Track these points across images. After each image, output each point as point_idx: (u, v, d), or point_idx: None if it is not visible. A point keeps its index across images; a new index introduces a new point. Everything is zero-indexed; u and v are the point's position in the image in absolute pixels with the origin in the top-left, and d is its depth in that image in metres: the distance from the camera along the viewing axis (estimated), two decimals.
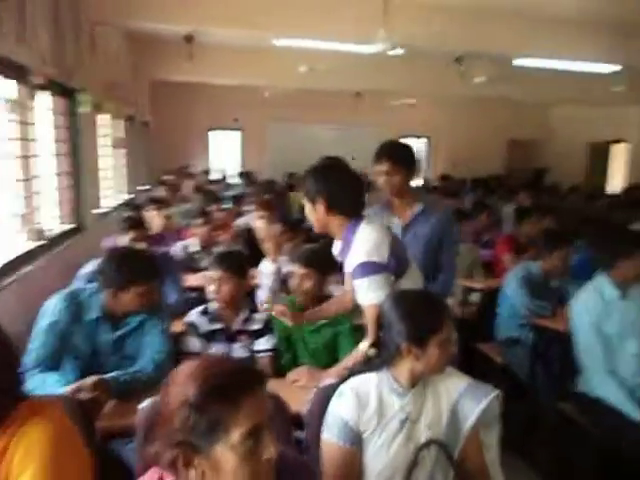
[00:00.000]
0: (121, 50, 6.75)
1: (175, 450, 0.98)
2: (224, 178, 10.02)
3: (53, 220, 4.30)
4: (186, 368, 1.04)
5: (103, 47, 5.56)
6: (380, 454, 1.52)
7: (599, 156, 11.81)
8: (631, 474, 2.36)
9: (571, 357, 2.96)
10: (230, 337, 2.36)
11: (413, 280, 2.01)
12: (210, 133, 12.02)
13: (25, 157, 3.58)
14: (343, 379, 1.62)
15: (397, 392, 1.56)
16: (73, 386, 1.74)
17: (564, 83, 8.27)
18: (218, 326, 2.35)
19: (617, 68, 7.02)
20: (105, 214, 5.94)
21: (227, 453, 0.98)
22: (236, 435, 0.98)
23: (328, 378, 1.92)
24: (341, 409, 1.53)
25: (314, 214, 1.96)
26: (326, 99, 10.68)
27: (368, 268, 1.84)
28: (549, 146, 12.77)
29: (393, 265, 1.89)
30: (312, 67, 7.19)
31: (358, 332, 2.51)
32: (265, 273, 3.10)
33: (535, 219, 4.31)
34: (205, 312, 2.37)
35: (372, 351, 1.62)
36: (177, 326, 2.50)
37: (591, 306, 2.56)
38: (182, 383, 1.01)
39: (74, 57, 4.39)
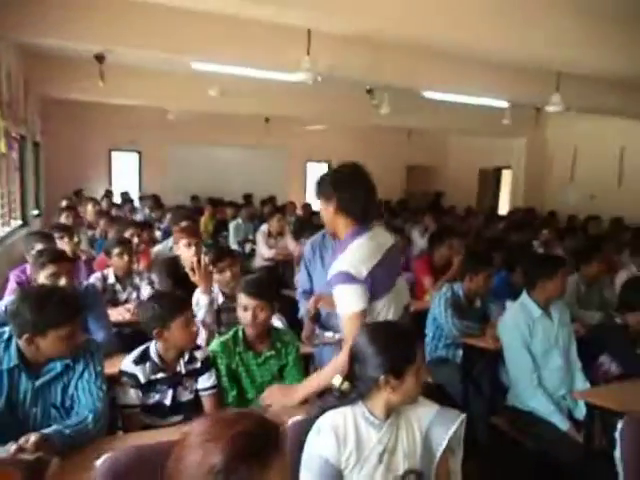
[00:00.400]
0: (12, 65, 6.24)
1: None
2: (129, 201, 9.52)
3: None
4: (200, 428, 0.96)
5: None
6: None
7: (488, 181, 12.90)
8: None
9: (498, 373, 3.16)
10: (174, 382, 2.22)
11: (389, 306, 2.02)
12: (113, 154, 11.46)
13: None
14: (317, 415, 1.59)
15: (373, 424, 1.56)
16: (13, 447, 1.53)
17: (461, 115, 8.99)
18: (161, 375, 2.19)
19: (505, 104, 7.77)
20: None
21: None
22: None
23: (298, 394, 2.02)
24: (320, 447, 1.50)
25: (325, 213, 2.09)
26: (233, 122, 10.63)
27: (343, 277, 1.91)
28: (444, 171, 13.72)
29: (369, 284, 1.91)
30: (223, 91, 7.13)
31: (303, 361, 2.53)
32: (200, 305, 2.97)
33: (448, 242, 4.55)
34: (142, 360, 2.18)
35: (346, 385, 1.60)
36: (110, 367, 2.31)
37: (519, 324, 2.75)
38: (200, 447, 0.92)
39: None
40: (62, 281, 2.63)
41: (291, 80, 4.88)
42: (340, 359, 1.85)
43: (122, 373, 2.15)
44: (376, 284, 1.94)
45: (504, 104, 7.82)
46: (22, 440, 1.59)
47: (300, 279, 2.91)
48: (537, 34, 4.41)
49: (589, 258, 3.86)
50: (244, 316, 2.33)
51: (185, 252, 3.64)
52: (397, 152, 13.34)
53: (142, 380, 2.14)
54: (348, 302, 1.91)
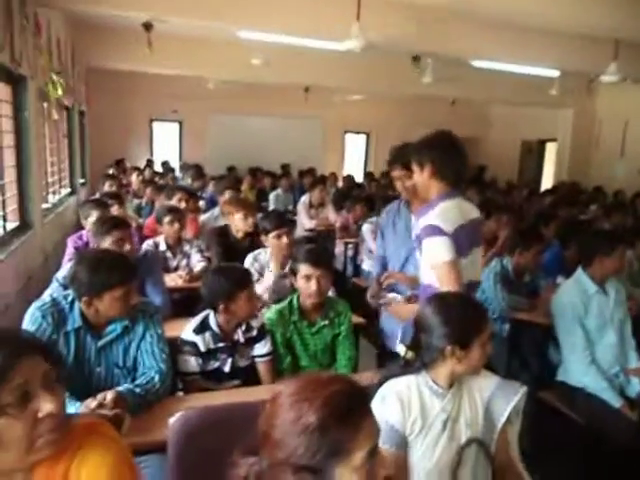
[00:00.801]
0: (62, 35, 6.34)
1: (296, 475, 0.93)
2: (171, 170, 9.67)
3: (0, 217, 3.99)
4: (293, 388, 0.99)
5: (46, 32, 5.20)
6: (426, 456, 1.54)
7: (531, 153, 12.53)
8: (614, 459, 2.53)
9: (545, 348, 3.13)
10: (232, 351, 2.28)
11: (471, 266, 2.12)
12: (154, 124, 11.60)
13: None
14: (381, 383, 1.62)
15: (437, 393, 1.58)
16: (93, 403, 1.62)
17: (506, 84, 8.70)
18: (221, 344, 2.25)
19: (555, 74, 7.47)
20: (50, 209, 5.60)
21: (348, 475, 0.94)
22: (358, 457, 0.94)
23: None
24: (386, 413, 1.53)
25: (418, 177, 2.18)
26: (272, 92, 10.58)
27: (433, 229, 2.02)
28: (486, 143, 13.38)
29: (456, 239, 2.01)
30: (265, 60, 7.08)
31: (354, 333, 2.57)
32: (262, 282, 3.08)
33: (497, 216, 4.48)
34: (202, 329, 2.24)
35: (410, 354, 1.63)
36: (166, 330, 2.38)
37: (573, 300, 2.71)
38: (295, 406, 0.96)
39: (21, 42, 4.07)
40: (127, 246, 2.73)
41: (338, 49, 4.80)
42: None
43: (183, 342, 2.22)
44: (459, 242, 2.03)
45: (554, 73, 7.52)
46: (100, 396, 1.68)
47: (377, 244, 3.04)
48: (595, 0, 4.21)
49: None
50: (307, 286, 2.36)
51: (241, 224, 3.69)
52: (437, 123, 12.95)
53: (202, 349, 2.21)
54: (438, 252, 2.01)
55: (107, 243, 2.68)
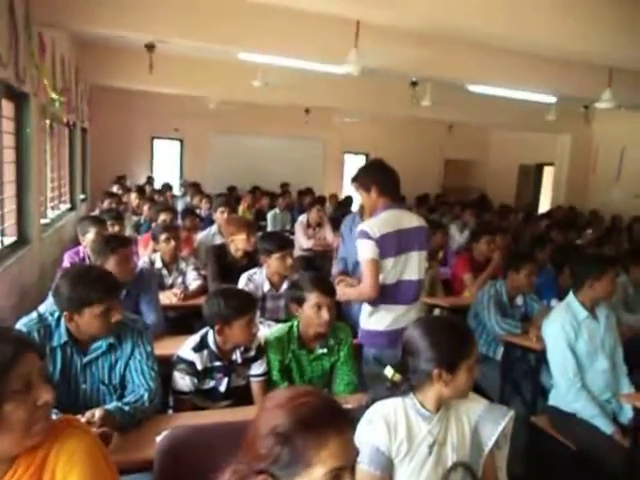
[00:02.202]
0: (66, 53, 6.45)
1: (256, 478, 0.97)
2: (169, 188, 9.72)
3: None
4: (277, 396, 1.05)
5: (50, 50, 5.29)
6: (411, 479, 1.53)
7: (528, 177, 12.64)
8: None
9: (538, 372, 3.13)
10: (229, 370, 2.28)
11: (392, 269, 2.58)
12: (155, 142, 11.72)
13: None
14: (368, 405, 1.62)
15: (424, 416, 1.58)
16: (82, 419, 1.62)
17: (504, 109, 8.82)
18: (218, 363, 2.24)
19: (552, 100, 7.59)
20: (49, 225, 5.63)
21: None
22: (319, 473, 0.96)
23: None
24: (372, 436, 1.53)
25: (368, 199, 2.69)
26: (272, 112, 10.70)
27: (362, 234, 2.55)
28: (483, 166, 13.50)
29: (380, 243, 2.51)
30: (266, 82, 7.18)
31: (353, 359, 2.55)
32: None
33: (490, 239, 4.50)
34: (200, 347, 2.22)
35: (398, 377, 1.63)
36: (158, 348, 2.38)
37: (564, 326, 2.71)
38: (271, 411, 1.01)
39: (25, 61, 4.14)
40: (130, 264, 2.75)
41: (336, 72, 4.88)
42: (360, 288, 2.59)
43: (180, 359, 2.20)
44: (383, 246, 2.52)
45: (551, 99, 7.63)
46: (88, 414, 1.67)
47: (341, 248, 3.88)
48: (591, 28, 4.30)
49: (638, 259, 3.77)
50: (317, 315, 2.30)
51: (243, 244, 3.70)
52: (436, 145, 13.21)
53: (199, 367, 2.19)
54: (363, 251, 2.54)
55: (112, 261, 2.70)
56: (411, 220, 2.67)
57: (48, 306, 2.51)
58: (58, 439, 1.19)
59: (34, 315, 2.00)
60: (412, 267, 2.63)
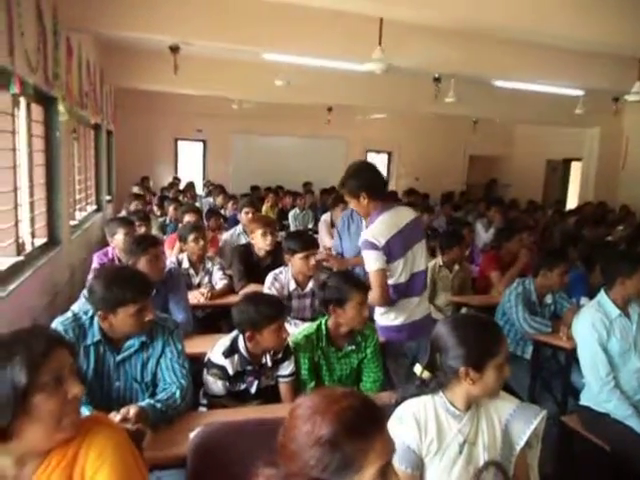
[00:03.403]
0: (91, 57, 6.56)
1: None
2: (191, 187, 9.84)
3: (29, 234, 4.10)
4: (309, 402, 1.02)
5: (77, 54, 5.40)
6: (442, 478, 1.53)
7: (556, 173, 12.40)
8: None
9: (569, 372, 3.07)
10: (259, 373, 2.29)
11: (403, 268, 2.65)
12: (178, 143, 11.86)
13: (11, 168, 3.42)
14: (398, 403, 1.62)
15: (454, 415, 1.57)
16: (117, 417, 1.65)
17: (530, 104, 8.67)
18: (249, 367, 2.26)
19: (579, 93, 7.43)
20: (77, 226, 5.74)
21: None
22: (369, 474, 0.96)
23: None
24: (402, 434, 1.53)
25: (359, 206, 2.69)
26: (295, 112, 10.71)
27: (365, 245, 2.60)
28: (509, 162, 13.30)
29: (387, 250, 2.57)
30: (289, 81, 7.20)
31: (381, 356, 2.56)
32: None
33: (518, 237, 4.44)
34: (231, 353, 2.24)
35: (427, 374, 1.62)
36: (188, 346, 2.41)
37: (596, 324, 2.65)
38: (310, 419, 0.99)
39: (54, 64, 4.23)
40: (160, 264, 2.80)
41: (360, 70, 4.86)
42: (370, 299, 2.50)
43: (212, 364, 2.22)
44: (392, 251, 2.59)
45: (578, 92, 7.47)
46: (124, 411, 1.70)
47: (334, 244, 3.93)
48: (619, 20, 4.20)
49: None
50: (360, 313, 2.35)
51: (261, 241, 3.73)
52: (459, 142, 13.07)
53: (231, 372, 2.21)
54: (370, 262, 2.59)
55: (143, 261, 2.76)
56: (406, 215, 2.74)
57: (81, 306, 2.58)
58: (88, 435, 1.22)
59: (69, 314, 2.05)
60: (418, 259, 2.74)
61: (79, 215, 6.20)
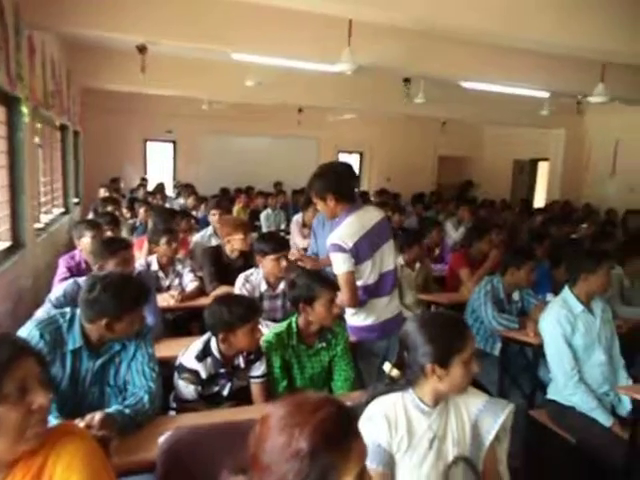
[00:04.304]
0: (56, 56, 6.42)
1: None
2: (160, 190, 9.70)
3: None
4: (282, 411, 0.98)
5: (40, 53, 5.27)
6: (412, 474, 1.54)
7: (523, 172, 12.68)
8: (604, 476, 2.52)
9: (536, 367, 3.14)
10: (231, 375, 2.27)
11: (371, 270, 2.66)
12: (148, 144, 11.70)
13: None
14: (367, 401, 1.62)
15: (423, 411, 1.58)
16: (81, 423, 1.61)
17: (498, 105, 8.85)
18: (222, 370, 2.24)
19: (545, 95, 7.61)
20: (43, 229, 5.60)
21: None
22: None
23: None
24: (373, 432, 1.53)
25: (326, 208, 2.67)
26: (266, 112, 10.68)
27: (333, 247, 2.59)
28: (478, 162, 13.54)
29: (355, 252, 2.57)
30: (259, 82, 7.17)
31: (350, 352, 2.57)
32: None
33: (487, 236, 4.51)
34: (204, 356, 2.21)
35: (396, 372, 1.63)
36: (158, 350, 2.38)
37: (560, 320, 2.72)
38: (285, 431, 0.95)
39: (17, 64, 4.12)
40: (130, 267, 2.76)
41: (330, 71, 4.88)
42: (338, 297, 2.50)
43: (184, 368, 2.20)
44: (360, 252, 2.59)
45: (544, 94, 7.65)
46: (88, 417, 1.67)
47: (311, 243, 3.98)
48: (585, 24, 4.31)
49: (634, 252, 3.79)
50: (330, 311, 2.37)
51: (239, 244, 3.71)
52: (430, 142, 13.24)
53: (203, 376, 2.19)
54: (338, 265, 2.59)
55: (111, 264, 2.70)
56: (373, 215, 2.74)
57: (47, 310, 2.51)
58: (56, 445, 1.19)
59: (45, 316, 2.01)
60: (386, 259, 2.74)
61: (45, 218, 6.05)
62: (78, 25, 4.66)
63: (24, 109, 4.40)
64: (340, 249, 2.56)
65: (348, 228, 2.60)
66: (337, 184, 2.63)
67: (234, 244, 3.70)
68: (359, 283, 2.65)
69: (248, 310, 2.23)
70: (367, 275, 2.66)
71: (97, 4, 4.50)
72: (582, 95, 6.78)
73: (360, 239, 2.58)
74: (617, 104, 7.70)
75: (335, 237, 2.60)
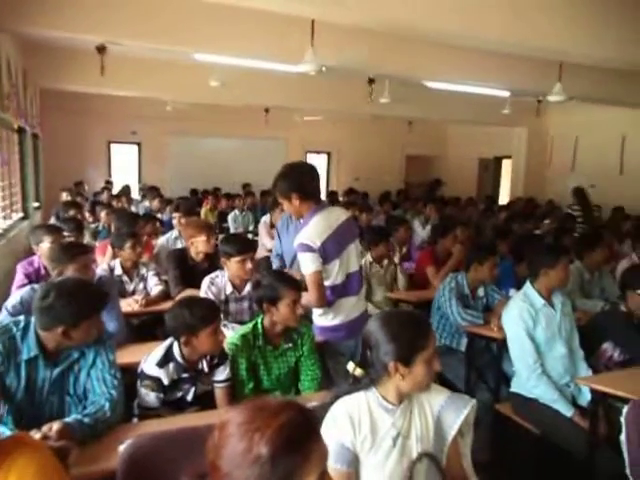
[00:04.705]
0: (11, 56, 6.22)
1: None
2: (126, 193, 9.51)
3: None
4: (241, 417, 0.97)
5: None
6: (376, 472, 1.55)
7: (488, 170, 12.93)
8: (568, 467, 2.59)
9: (501, 361, 3.20)
10: (195, 380, 2.24)
11: (339, 268, 2.66)
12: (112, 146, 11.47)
13: None
14: (331, 402, 1.62)
15: (386, 409, 1.59)
16: (37, 434, 1.56)
17: (461, 104, 8.98)
18: (185, 375, 2.20)
19: (506, 94, 7.78)
20: (1, 235, 5.42)
21: None
22: None
23: None
24: (337, 433, 1.54)
25: (291, 207, 2.66)
26: (232, 113, 10.60)
27: (303, 247, 2.57)
28: (444, 161, 13.75)
29: (322, 252, 2.57)
30: (223, 82, 7.10)
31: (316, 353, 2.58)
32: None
33: (452, 233, 4.57)
34: (165, 362, 2.17)
35: (359, 371, 1.64)
36: (120, 357, 2.33)
37: (522, 314, 2.78)
38: (245, 436, 0.93)
39: None
40: (90, 272, 2.70)
41: (294, 71, 4.87)
42: (308, 301, 2.57)
43: (145, 375, 2.15)
44: (327, 252, 2.58)
45: (505, 93, 7.82)
46: (45, 428, 1.62)
47: (275, 245, 3.88)
48: (543, 25, 4.40)
49: (592, 246, 3.90)
50: (294, 311, 2.37)
51: (203, 246, 3.66)
52: (397, 142, 13.38)
53: (165, 382, 2.15)
54: (305, 265, 2.59)
55: (70, 270, 2.64)
56: (339, 215, 2.75)
57: (5, 319, 2.43)
58: (8, 458, 1.15)
59: None
60: (353, 259, 2.75)
61: (2, 223, 5.86)
62: (34, 25, 4.52)
63: None
64: (309, 249, 2.55)
65: (315, 228, 2.59)
66: (301, 183, 2.63)
67: (198, 246, 3.66)
68: (327, 283, 2.64)
69: (209, 311, 2.21)
70: (335, 275, 2.65)
71: (53, 3, 4.38)
72: (541, 94, 6.94)
73: (327, 238, 2.58)
74: (576, 102, 7.92)
75: (303, 237, 2.58)
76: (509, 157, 11.71)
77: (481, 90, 7.37)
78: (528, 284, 2.89)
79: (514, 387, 2.88)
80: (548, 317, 2.81)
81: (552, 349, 2.79)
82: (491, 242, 4.26)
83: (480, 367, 3.44)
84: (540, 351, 2.76)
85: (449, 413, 1.63)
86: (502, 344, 3.07)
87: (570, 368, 2.80)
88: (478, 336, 3.37)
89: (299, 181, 2.63)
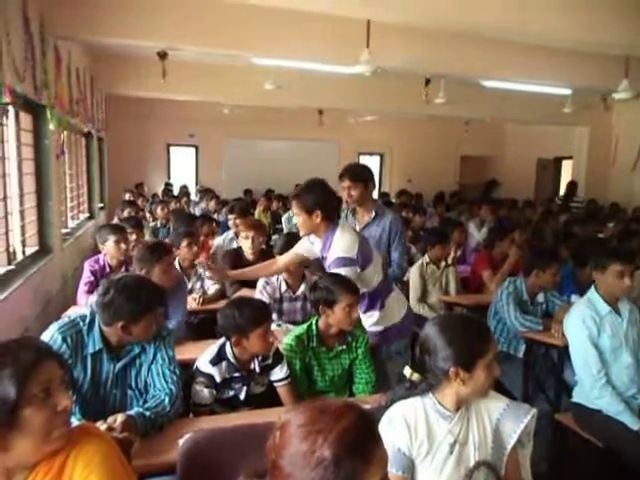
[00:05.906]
0: (81, 64, 6.55)
1: None
2: (186, 194, 9.82)
3: (20, 243, 4.08)
4: (302, 418, 0.97)
5: (66, 62, 5.39)
6: (433, 479, 1.52)
7: (547, 171, 12.47)
8: None
9: (561, 369, 3.08)
10: (248, 380, 2.28)
11: (375, 270, 2.70)
12: (171, 149, 11.86)
13: (0, 177, 3.41)
14: (387, 406, 1.62)
15: (444, 415, 1.57)
16: (103, 426, 1.64)
17: (520, 103, 8.72)
18: (237, 374, 2.24)
19: (568, 92, 7.48)
20: (69, 234, 5.72)
21: None
22: None
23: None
24: (393, 437, 1.53)
25: (308, 221, 2.62)
26: (286, 115, 10.73)
27: (343, 261, 2.56)
28: (501, 162, 13.36)
29: (360, 260, 2.60)
30: (279, 84, 7.21)
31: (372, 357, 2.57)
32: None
33: (510, 237, 4.45)
34: (218, 360, 2.22)
35: (416, 376, 1.62)
36: (180, 353, 2.40)
37: (586, 321, 2.67)
38: (308, 439, 0.94)
39: (43, 73, 4.22)
40: (174, 271, 2.90)
41: (350, 73, 4.88)
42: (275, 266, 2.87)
43: (199, 372, 2.21)
44: (364, 258, 2.63)
45: (566, 91, 7.53)
46: (111, 420, 1.70)
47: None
48: (606, 19, 4.23)
49: None
50: (349, 315, 2.37)
51: (248, 245, 3.75)
52: (451, 142, 13.13)
53: (218, 379, 2.19)
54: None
55: (157, 270, 2.76)
56: (352, 229, 2.85)
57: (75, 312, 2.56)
58: (76, 446, 1.22)
59: (66, 320, 2.03)
60: (379, 265, 2.79)
61: (71, 223, 6.18)
62: (101, 34, 4.75)
63: (50, 117, 4.50)
64: (351, 262, 2.55)
65: (346, 241, 2.59)
66: (327, 200, 2.63)
67: (244, 245, 3.75)
68: (367, 289, 2.68)
69: (259, 313, 2.22)
70: (376, 277, 2.70)
71: (118, 13, 4.59)
72: (606, 91, 6.64)
73: (361, 246, 2.63)
74: None
75: (339, 251, 2.56)
76: (569, 157, 11.24)
77: (542, 88, 7.12)
78: (592, 290, 2.77)
79: (576, 397, 2.77)
80: (614, 325, 2.68)
81: (618, 358, 2.66)
82: (554, 247, 4.10)
83: (538, 375, 3.33)
84: (605, 360, 2.64)
85: (508, 421, 1.59)
86: (563, 351, 2.96)
87: (637, 379, 2.65)
88: (537, 343, 3.26)
89: (325, 198, 2.62)
